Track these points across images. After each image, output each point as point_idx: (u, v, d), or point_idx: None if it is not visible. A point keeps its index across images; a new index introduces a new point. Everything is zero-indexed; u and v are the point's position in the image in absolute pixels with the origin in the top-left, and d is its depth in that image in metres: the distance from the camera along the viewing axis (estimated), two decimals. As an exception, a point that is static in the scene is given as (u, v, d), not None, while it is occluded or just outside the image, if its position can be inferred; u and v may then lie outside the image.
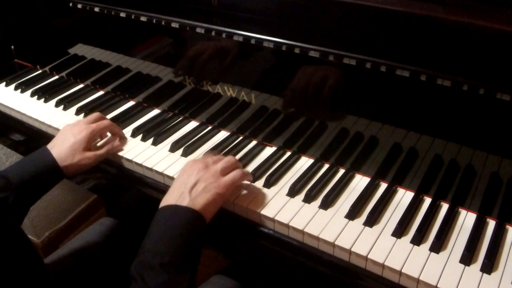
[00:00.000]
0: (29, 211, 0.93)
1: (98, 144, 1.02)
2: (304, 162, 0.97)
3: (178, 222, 0.76)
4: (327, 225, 0.81)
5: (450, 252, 0.76)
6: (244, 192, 0.89)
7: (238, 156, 0.98)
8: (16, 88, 1.28)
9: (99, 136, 1.03)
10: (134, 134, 1.07)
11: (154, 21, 1.03)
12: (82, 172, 0.98)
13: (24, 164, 0.92)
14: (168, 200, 0.80)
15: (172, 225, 0.76)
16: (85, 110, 1.16)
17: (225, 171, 0.84)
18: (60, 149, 0.94)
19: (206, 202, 0.79)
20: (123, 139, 1.05)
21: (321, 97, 0.90)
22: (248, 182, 0.90)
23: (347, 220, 0.82)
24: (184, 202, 0.78)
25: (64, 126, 1.01)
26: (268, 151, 1.00)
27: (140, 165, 0.98)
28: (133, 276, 0.71)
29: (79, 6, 1.13)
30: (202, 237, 0.78)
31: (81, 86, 1.29)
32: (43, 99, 1.22)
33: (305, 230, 0.80)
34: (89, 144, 0.97)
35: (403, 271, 0.73)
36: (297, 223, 0.81)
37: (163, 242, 0.73)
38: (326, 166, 0.95)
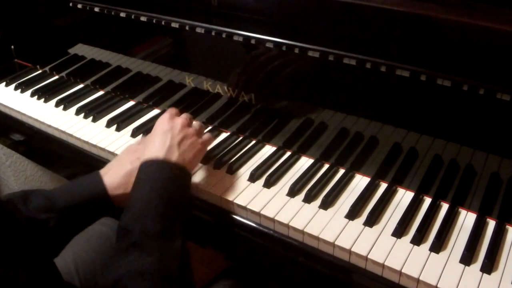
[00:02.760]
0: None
1: None
2: (304, 162, 0.97)
3: (168, 179, 0.76)
4: (327, 225, 0.81)
5: (450, 252, 0.76)
6: (244, 191, 0.89)
7: (238, 156, 0.98)
8: (16, 88, 1.28)
9: None
10: (134, 134, 1.07)
11: (154, 21, 1.03)
12: None
13: (72, 187, 0.85)
14: (152, 151, 0.79)
15: (160, 181, 0.76)
16: (85, 110, 1.16)
17: (200, 132, 0.90)
18: (114, 176, 0.84)
19: (192, 157, 0.83)
20: None
21: (323, 97, 0.90)
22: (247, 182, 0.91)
23: (347, 220, 0.82)
24: (173, 157, 0.79)
25: (122, 151, 0.93)
26: (268, 151, 1.00)
27: (140, 165, 0.98)
28: (127, 229, 0.71)
29: (79, 6, 1.13)
30: (190, 194, 0.81)
31: (81, 86, 1.28)
32: (43, 99, 1.22)
33: (305, 230, 0.80)
34: None
35: (403, 271, 0.73)
36: (297, 223, 0.81)
37: (152, 204, 0.72)
38: (326, 166, 0.95)
